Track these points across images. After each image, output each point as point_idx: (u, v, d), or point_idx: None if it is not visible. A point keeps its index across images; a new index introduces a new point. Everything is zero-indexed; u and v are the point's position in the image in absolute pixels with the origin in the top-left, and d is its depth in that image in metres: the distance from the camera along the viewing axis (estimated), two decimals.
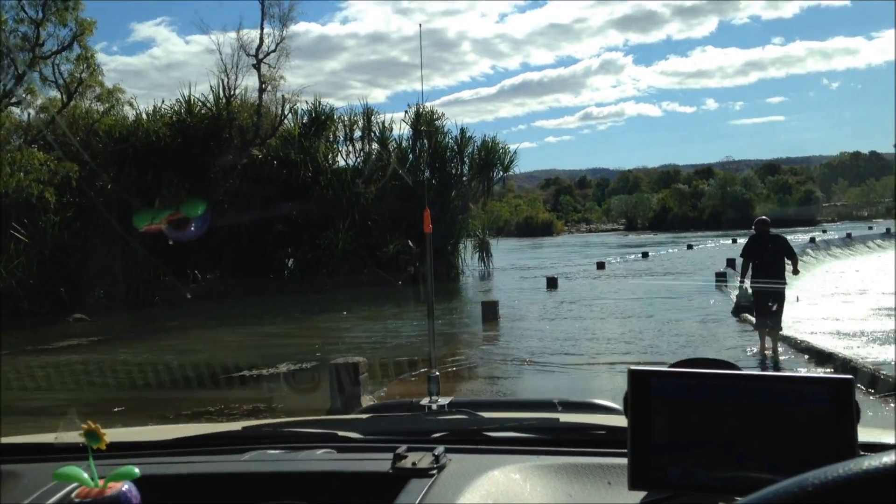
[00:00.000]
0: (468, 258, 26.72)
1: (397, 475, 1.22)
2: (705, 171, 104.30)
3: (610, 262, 27.95)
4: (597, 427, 1.45)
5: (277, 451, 1.44)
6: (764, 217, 10.39)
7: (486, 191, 26.79)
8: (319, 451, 1.42)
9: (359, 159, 25.31)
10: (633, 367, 1.12)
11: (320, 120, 24.35)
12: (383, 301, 18.80)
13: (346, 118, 25.49)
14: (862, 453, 0.83)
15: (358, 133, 25.79)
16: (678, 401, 1.09)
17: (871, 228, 51.58)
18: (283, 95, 22.59)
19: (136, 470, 1.14)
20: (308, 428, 1.57)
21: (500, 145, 26.48)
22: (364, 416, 1.86)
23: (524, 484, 1.21)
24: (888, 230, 46.01)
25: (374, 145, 25.78)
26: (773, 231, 9.83)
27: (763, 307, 9.54)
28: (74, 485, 1.13)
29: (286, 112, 22.79)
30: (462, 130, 26.55)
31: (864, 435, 1.09)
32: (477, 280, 24.63)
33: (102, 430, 1.18)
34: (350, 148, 25.69)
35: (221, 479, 1.30)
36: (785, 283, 9.72)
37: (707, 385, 1.09)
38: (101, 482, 1.11)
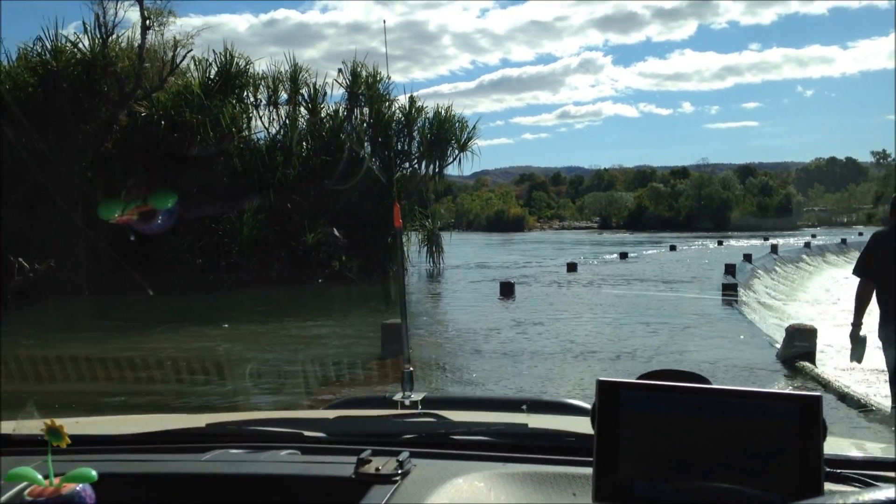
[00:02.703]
0: (414, 253, 22.11)
1: (360, 481, 1.18)
2: (681, 172, 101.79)
3: (583, 263, 23.53)
4: (566, 434, 1.41)
5: (240, 451, 1.38)
6: None
7: (437, 172, 22.08)
8: (283, 452, 1.37)
9: (281, 129, 20.47)
10: (601, 378, 1.08)
11: (231, 75, 19.48)
12: (289, 306, 14.20)
13: (268, 78, 20.64)
14: (827, 469, 0.86)
15: (284, 97, 20.97)
16: (647, 413, 1.06)
17: (861, 234, 48.05)
18: (174, 37, 17.68)
19: (94, 473, 1.09)
20: (273, 427, 1.52)
21: (457, 118, 21.79)
22: (332, 413, 1.74)
23: (488, 493, 1.17)
24: None
25: (303, 111, 20.96)
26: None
27: None
28: (27, 482, 1.06)
29: (179, 59, 17.90)
30: (412, 98, 21.86)
31: (832, 447, 1.07)
32: (420, 281, 20.00)
33: (62, 426, 1.13)
34: (274, 114, 20.83)
35: (181, 479, 1.25)
36: None
37: (676, 398, 1.06)
38: (56, 480, 1.06)
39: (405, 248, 21.60)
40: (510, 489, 1.19)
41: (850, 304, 5.09)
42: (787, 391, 1.08)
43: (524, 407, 1.71)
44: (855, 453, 1.35)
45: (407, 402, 1.75)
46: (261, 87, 20.52)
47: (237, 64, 19.68)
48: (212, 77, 19.37)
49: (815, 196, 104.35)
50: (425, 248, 22.72)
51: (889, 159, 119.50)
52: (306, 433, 1.46)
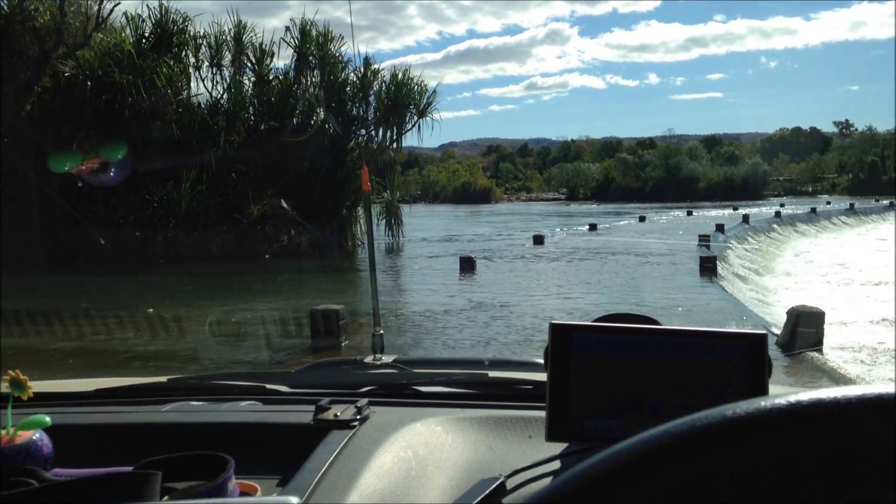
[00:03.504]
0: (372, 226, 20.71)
1: (318, 427, 1.19)
2: (647, 143, 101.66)
3: (550, 236, 22.41)
4: (524, 382, 1.44)
5: (200, 403, 1.39)
6: None
7: (395, 140, 20.67)
8: (244, 403, 1.38)
9: (225, 92, 18.88)
10: (554, 322, 1.11)
11: (167, 33, 17.81)
12: (224, 286, 12.85)
13: (210, 37, 18.96)
14: None
15: (229, 58, 19.32)
16: (598, 355, 1.09)
17: (829, 203, 47.83)
18: None
19: (48, 418, 1.10)
20: (235, 381, 1.52)
21: (416, 81, 20.38)
22: (292, 369, 1.82)
23: (445, 436, 1.18)
24: (852, 205, 42.67)
25: (249, 74, 19.38)
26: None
27: None
28: None
29: (105, 12, 16.22)
30: (366, 60, 20.39)
31: (779, 392, 0.99)
32: (377, 256, 18.74)
33: (26, 379, 1.12)
34: (217, 76, 19.19)
35: (140, 428, 1.26)
36: None
37: (627, 340, 1.08)
38: (11, 430, 1.06)
39: (361, 222, 20.30)
40: (468, 432, 1.20)
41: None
42: (733, 330, 1.06)
43: (486, 363, 1.77)
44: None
45: (378, 365, 1.73)
46: (202, 46, 18.90)
47: (174, 21, 18.01)
48: (146, 35, 17.71)
49: (780, 166, 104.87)
50: (384, 220, 21.43)
51: (852, 129, 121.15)
52: (268, 386, 1.46)
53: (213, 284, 12.88)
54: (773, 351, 6.46)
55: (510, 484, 0.98)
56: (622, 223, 29.81)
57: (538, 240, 20.42)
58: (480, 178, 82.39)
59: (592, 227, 26.31)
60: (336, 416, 1.20)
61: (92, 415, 1.32)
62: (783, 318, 9.57)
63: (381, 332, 1.84)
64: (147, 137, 16.37)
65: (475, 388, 1.40)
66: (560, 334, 1.09)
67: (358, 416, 1.19)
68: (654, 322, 1.17)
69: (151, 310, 10.35)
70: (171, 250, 15.93)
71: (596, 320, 1.19)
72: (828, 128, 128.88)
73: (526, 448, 1.14)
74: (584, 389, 1.07)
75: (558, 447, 1.08)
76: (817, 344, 6.05)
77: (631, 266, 14.35)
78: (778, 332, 6.85)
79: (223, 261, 15.71)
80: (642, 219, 31.63)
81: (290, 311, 9.06)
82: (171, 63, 17.48)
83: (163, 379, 1.54)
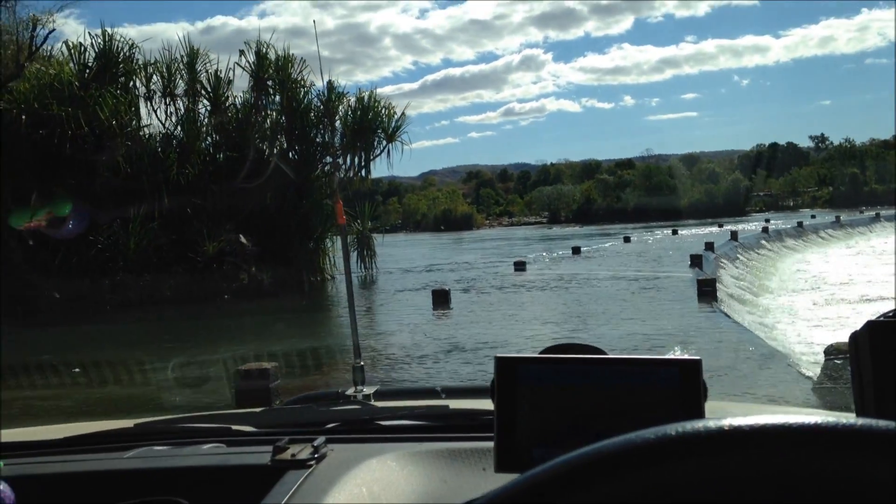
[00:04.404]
0: (341, 259, 19.44)
1: (275, 468, 1.19)
2: (626, 164, 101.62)
3: (533, 262, 21.20)
4: (484, 412, 1.37)
5: (164, 448, 1.38)
6: None
7: (363, 166, 19.47)
8: (206, 446, 1.37)
9: (179, 123, 17.64)
10: (498, 355, 1.11)
11: (113, 61, 16.58)
12: (169, 334, 11.51)
13: (161, 64, 17.74)
14: None
15: (182, 87, 18.12)
16: (543, 385, 1.10)
17: (814, 217, 47.14)
18: (33, 15, 14.77)
19: (1, 463, 1.11)
20: (202, 423, 1.53)
21: (383, 104, 19.25)
22: (260, 409, 1.87)
23: (401, 471, 1.20)
24: (838, 218, 41.98)
25: (205, 102, 18.17)
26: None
27: None
28: None
29: (40, 40, 15.01)
30: (330, 84, 19.24)
31: (719, 410, 1.11)
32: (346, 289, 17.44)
33: None
34: (171, 107, 17.95)
35: (102, 476, 1.25)
36: None
37: (570, 369, 1.11)
38: None
39: (331, 255, 19.05)
40: (423, 467, 1.20)
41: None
42: (668, 357, 1.09)
43: (442, 393, 1.75)
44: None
45: (359, 397, 1.69)
46: (153, 76, 17.68)
47: (119, 48, 16.79)
48: (89, 64, 16.47)
49: (759, 181, 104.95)
50: (355, 251, 20.16)
51: (828, 142, 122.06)
52: (234, 427, 1.45)
53: (159, 332, 11.53)
54: (807, 393, 5.17)
55: None
56: (608, 245, 28.71)
57: (519, 266, 19.21)
58: (461, 205, 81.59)
59: (576, 251, 25.14)
60: (293, 455, 1.19)
61: (57, 464, 1.30)
62: (797, 346, 8.41)
63: (362, 363, 1.79)
64: (92, 174, 15.10)
65: (437, 420, 1.42)
66: (505, 367, 1.09)
67: (315, 455, 1.19)
68: (601, 352, 1.17)
69: (78, 369, 8.99)
70: (119, 295, 14.54)
71: (543, 351, 1.19)
72: (804, 142, 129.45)
73: (479, 480, 1.15)
74: (530, 420, 1.08)
75: (510, 477, 0.95)
76: None
77: (622, 293, 13.10)
78: (810, 374, 5.60)
79: (177, 304, 14.35)
80: (627, 239, 30.54)
81: (232, 362, 7.73)
82: (118, 93, 16.24)
83: (130, 424, 1.52)
